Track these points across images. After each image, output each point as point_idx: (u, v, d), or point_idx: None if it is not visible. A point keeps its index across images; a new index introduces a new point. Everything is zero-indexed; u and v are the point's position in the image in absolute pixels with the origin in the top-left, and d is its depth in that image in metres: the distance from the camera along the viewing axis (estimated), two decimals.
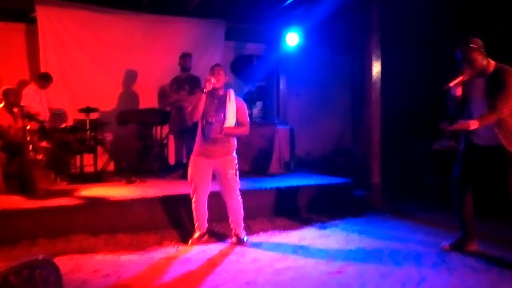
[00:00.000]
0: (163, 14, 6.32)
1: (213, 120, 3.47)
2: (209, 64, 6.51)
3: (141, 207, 3.95)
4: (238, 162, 3.61)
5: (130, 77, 6.22)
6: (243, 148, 5.96)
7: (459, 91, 3.07)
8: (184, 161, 5.50)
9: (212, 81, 3.40)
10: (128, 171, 5.48)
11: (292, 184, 4.86)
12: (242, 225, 3.67)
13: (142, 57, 6.16)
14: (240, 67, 7.16)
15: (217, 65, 3.63)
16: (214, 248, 3.51)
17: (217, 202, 3.70)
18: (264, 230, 4.04)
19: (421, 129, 6.15)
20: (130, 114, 5.76)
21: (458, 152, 3.29)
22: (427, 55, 6.56)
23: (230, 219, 3.66)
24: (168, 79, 5.59)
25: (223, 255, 3.34)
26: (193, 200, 3.57)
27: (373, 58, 5.18)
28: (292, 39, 6.91)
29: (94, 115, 5.45)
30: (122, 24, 6.09)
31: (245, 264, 3.13)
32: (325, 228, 4.18)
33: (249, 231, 3.91)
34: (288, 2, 6.33)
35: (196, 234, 3.60)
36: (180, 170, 5.35)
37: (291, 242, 3.70)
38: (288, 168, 6.07)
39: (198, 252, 3.39)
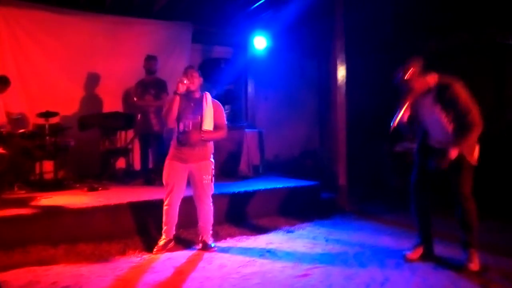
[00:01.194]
0: (127, 16, 6.17)
1: (190, 123, 3.40)
2: (176, 67, 6.52)
3: (104, 215, 3.82)
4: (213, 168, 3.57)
5: (93, 80, 6.02)
6: None
7: (405, 117, 3.05)
8: (150, 166, 5.38)
9: (185, 82, 3.33)
10: (90, 178, 5.30)
11: (260, 188, 4.86)
12: (211, 231, 3.62)
13: (105, 60, 5.98)
14: (207, 71, 7.08)
15: (190, 67, 3.58)
16: (181, 255, 3.44)
17: (184, 208, 3.63)
18: (232, 235, 4.01)
19: (385, 131, 6.30)
20: (92, 118, 5.57)
21: (415, 157, 3.28)
22: (390, 60, 6.74)
23: (199, 225, 3.60)
24: (133, 82, 5.46)
25: (189, 262, 3.28)
26: (165, 203, 3.48)
27: (338, 62, 5.26)
28: (260, 42, 6.95)
29: (54, 120, 5.24)
30: (84, 26, 5.89)
31: (211, 270, 3.08)
32: (292, 231, 4.20)
33: (217, 236, 3.86)
34: (255, 6, 6.35)
35: (162, 241, 3.49)
36: (145, 176, 5.24)
37: (259, 246, 3.69)
38: (257, 172, 6.07)
39: (163, 260, 3.32)
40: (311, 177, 5.61)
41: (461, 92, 2.86)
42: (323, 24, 5.81)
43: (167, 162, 3.48)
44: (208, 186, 3.50)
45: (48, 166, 5.14)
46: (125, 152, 5.76)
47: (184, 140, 3.39)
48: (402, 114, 3.01)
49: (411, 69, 2.94)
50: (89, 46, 5.92)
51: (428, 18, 6.07)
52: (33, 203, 4.00)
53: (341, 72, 5.29)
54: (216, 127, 3.49)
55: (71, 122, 5.49)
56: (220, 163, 5.84)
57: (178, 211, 3.56)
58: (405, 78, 2.94)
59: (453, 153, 2.85)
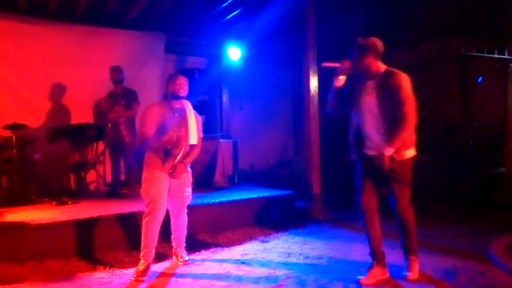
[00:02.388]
0: (98, 26, 6.08)
1: (175, 136, 3.22)
2: (149, 77, 6.47)
3: (73, 230, 3.69)
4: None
5: (62, 91, 5.87)
6: None
7: (338, 82, 2.95)
8: (122, 178, 5.27)
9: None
10: (59, 191, 5.14)
11: (235, 198, 4.83)
12: (184, 244, 3.56)
13: (75, 71, 5.85)
14: None
15: (177, 73, 3.44)
16: (152, 269, 3.33)
17: None
18: (206, 247, 3.96)
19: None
20: (61, 130, 5.42)
21: (355, 168, 3.10)
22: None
23: (173, 237, 3.52)
24: (103, 93, 5.36)
25: (162, 277, 3.21)
26: (145, 220, 3.13)
27: (310, 73, 5.34)
28: (234, 53, 6.98)
29: (21, 132, 5.07)
30: (53, 36, 5.76)
31: (185, 285, 3.02)
32: (267, 241, 4.19)
33: (191, 248, 3.80)
34: (228, 17, 6.39)
35: (142, 266, 3.13)
36: (117, 189, 5.12)
37: (234, 258, 3.66)
38: (232, 182, 6.05)
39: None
40: (286, 186, 5.63)
41: (405, 82, 2.76)
42: (296, 35, 5.91)
43: (149, 172, 3.19)
44: (188, 198, 3.40)
45: (15, 180, 4.96)
46: (95, 164, 5.61)
47: (167, 152, 3.20)
48: (330, 65, 2.91)
49: (372, 40, 2.87)
50: (58, 56, 5.79)
51: (396, 29, 6.26)
52: None
53: (314, 83, 5.37)
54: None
55: (40, 134, 5.34)
56: (194, 174, 5.77)
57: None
58: (364, 43, 2.84)
59: (388, 151, 2.73)
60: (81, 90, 5.93)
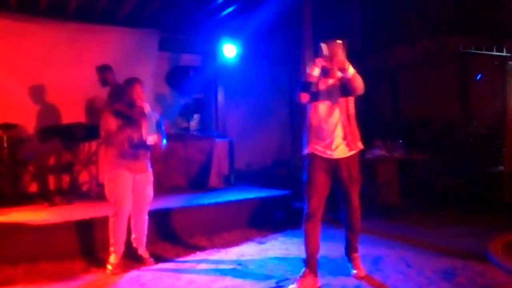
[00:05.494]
0: (90, 23, 5.97)
1: (135, 136, 3.34)
2: (142, 75, 6.26)
3: (66, 231, 3.62)
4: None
5: (54, 89, 5.73)
6: (180, 163, 5.78)
7: (312, 78, 2.95)
8: None
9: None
10: (51, 192, 5.05)
11: (231, 199, 4.77)
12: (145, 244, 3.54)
13: (67, 69, 5.73)
14: (175, 79, 6.95)
15: (135, 80, 3.41)
16: (147, 271, 3.30)
17: (153, 222, 3.51)
18: (202, 248, 3.89)
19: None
20: (53, 130, 5.31)
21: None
22: (359, 69, 6.86)
23: (133, 237, 3.51)
24: (96, 91, 5.25)
25: (157, 278, 3.15)
26: (112, 220, 3.30)
27: (307, 71, 5.26)
28: (230, 50, 6.88)
29: (13, 132, 4.97)
30: (44, 33, 5.64)
31: (180, 286, 2.96)
32: (264, 242, 4.12)
33: (186, 250, 3.75)
34: (224, 13, 6.31)
35: (114, 259, 3.29)
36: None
37: (230, 259, 3.59)
38: (228, 182, 5.97)
39: (130, 277, 3.17)
40: (284, 186, 5.56)
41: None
42: (293, 32, 5.84)
43: (112, 172, 3.32)
44: (149, 197, 3.48)
45: (6, 180, 4.85)
46: (87, 164, 5.52)
47: (127, 152, 3.31)
48: (315, 67, 2.92)
49: (343, 42, 2.89)
50: (50, 54, 5.67)
51: (394, 27, 6.21)
52: None
53: None
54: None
55: (31, 134, 5.24)
56: (189, 175, 5.72)
57: (147, 227, 3.49)
58: (338, 43, 2.84)
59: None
60: (74, 89, 5.80)
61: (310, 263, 2.91)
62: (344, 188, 2.97)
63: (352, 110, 3.02)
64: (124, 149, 3.32)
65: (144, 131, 3.31)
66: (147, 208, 3.51)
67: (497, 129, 5.59)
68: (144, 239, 3.53)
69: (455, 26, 5.92)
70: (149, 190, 3.46)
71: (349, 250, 3.15)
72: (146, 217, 3.52)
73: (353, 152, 2.96)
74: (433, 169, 5.64)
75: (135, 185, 3.38)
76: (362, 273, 3.04)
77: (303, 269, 2.91)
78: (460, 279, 2.91)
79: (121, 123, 3.31)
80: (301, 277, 2.87)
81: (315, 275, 2.90)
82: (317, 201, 2.92)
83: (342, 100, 2.99)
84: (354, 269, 3.07)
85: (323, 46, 2.89)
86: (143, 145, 3.37)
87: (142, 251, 3.51)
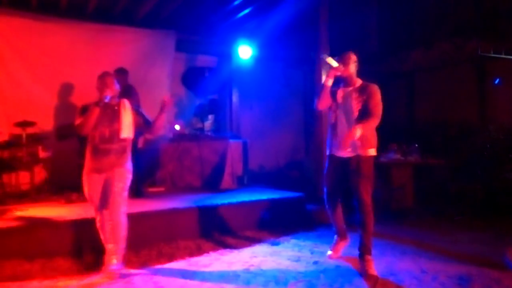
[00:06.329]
0: (109, 23, 6.06)
1: (107, 131, 3.21)
2: (159, 75, 6.42)
3: (81, 228, 3.67)
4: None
5: (72, 89, 5.84)
6: (194, 163, 5.82)
7: (328, 82, 3.25)
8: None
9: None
10: (68, 189, 5.14)
11: (244, 200, 4.78)
12: (121, 252, 3.17)
13: (85, 68, 5.81)
14: (191, 80, 7.01)
15: (107, 74, 3.34)
16: (161, 270, 3.33)
17: (167, 221, 3.51)
18: (215, 249, 3.91)
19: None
20: (70, 128, 5.39)
21: (324, 169, 3.47)
22: (375, 72, 6.82)
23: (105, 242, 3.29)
24: None
25: (170, 278, 3.16)
26: (97, 220, 3.26)
27: (323, 73, 5.25)
28: (245, 52, 6.90)
29: (31, 130, 5.07)
30: (64, 33, 5.74)
31: (192, 286, 2.98)
32: (277, 244, 4.12)
33: (199, 250, 3.77)
34: (240, 15, 6.33)
35: (115, 260, 3.12)
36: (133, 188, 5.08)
37: (242, 260, 3.59)
38: (241, 183, 5.97)
39: (142, 275, 3.20)
40: (296, 188, 5.54)
41: (378, 92, 3.19)
42: (308, 34, 5.82)
43: (84, 176, 3.26)
44: (119, 195, 3.13)
45: (24, 177, 4.97)
46: None
47: (98, 149, 3.19)
48: (333, 75, 3.22)
49: (353, 55, 3.33)
50: (69, 54, 5.78)
51: (411, 30, 6.14)
52: (8, 216, 3.86)
53: None
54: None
55: (49, 132, 5.34)
56: (202, 175, 5.74)
57: (160, 226, 3.46)
58: (350, 57, 3.28)
59: (354, 131, 3.00)
60: (91, 89, 5.84)
61: (339, 232, 3.58)
62: (353, 182, 3.19)
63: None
64: (96, 145, 3.20)
65: (119, 126, 3.22)
66: (119, 208, 3.14)
67: None
68: (117, 247, 3.13)
69: (473, 30, 5.83)
70: (119, 187, 3.14)
71: (363, 250, 3.18)
72: (121, 219, 3.14)
73: (363, 154, 3.18)
74: (449, 173, 5.56)
75: (105, 183, 3.19)
76: (374, 271, 3.07)
77: (335, 237, 3.62)
78: (476, 286, 2.87)
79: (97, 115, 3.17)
80: (334, 244, 3.61)
81: (345, 238, 3.60)
82: (331, 184, 3.41)
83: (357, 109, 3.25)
84: (368, 272, 3.08)
85: (334, 58, 3.25)
86: (116, 140, 3.22)
87: (109, 258, 3.13)
